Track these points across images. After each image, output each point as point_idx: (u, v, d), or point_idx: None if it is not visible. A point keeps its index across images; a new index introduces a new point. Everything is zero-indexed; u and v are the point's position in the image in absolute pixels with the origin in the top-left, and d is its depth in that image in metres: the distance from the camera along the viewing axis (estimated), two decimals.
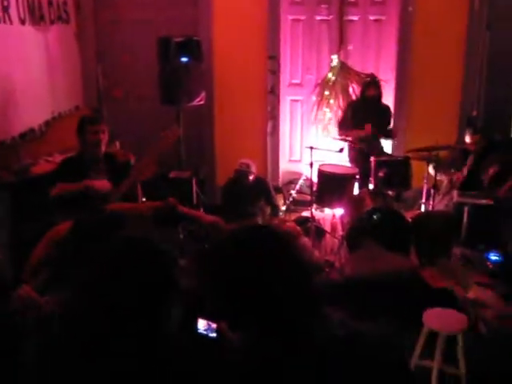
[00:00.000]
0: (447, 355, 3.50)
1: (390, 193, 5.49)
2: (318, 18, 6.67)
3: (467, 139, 5.75)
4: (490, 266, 5.08)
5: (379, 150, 5.92)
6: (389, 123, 6.12)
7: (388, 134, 6.11)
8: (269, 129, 6.73)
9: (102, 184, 3.93)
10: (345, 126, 6.02)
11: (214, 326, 2.15)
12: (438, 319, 3.61)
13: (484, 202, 5.15)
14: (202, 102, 6.06)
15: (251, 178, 5.78)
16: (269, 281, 1.45)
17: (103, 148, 4.14)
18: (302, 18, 6.69)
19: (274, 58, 6.56)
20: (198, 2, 6.44)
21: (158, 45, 5.81)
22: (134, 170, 4.05)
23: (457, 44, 6.40)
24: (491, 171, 5.24)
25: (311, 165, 5.46)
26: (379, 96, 5.97)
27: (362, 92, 6.02)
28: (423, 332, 3.66)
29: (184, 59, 5.81)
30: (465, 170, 5.67)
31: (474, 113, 6.31)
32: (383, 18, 6.72)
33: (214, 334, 2.17)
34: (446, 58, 6.39)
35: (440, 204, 5.71)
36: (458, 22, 6.36)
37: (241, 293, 1.46)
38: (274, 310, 1.45)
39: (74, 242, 2.73)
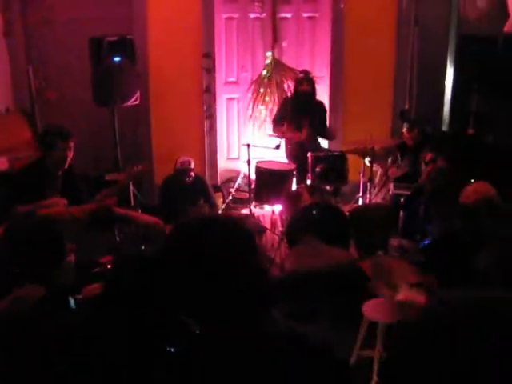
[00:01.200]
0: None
1: (328, 187, 5.55)
2: (252, 15, 6.68)
3: (404, 132, 5.89)
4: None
5: (316, 146, 5.98)
6: (324, 120, 6.18)
7: (327, 136, 6.18)
8: (206, 127, 6.69)
9: (57, 212, 3.72)
10: (279, 122, 6.04)
11: None
12: (377, 309, 3.67)
13: None
14: (137, 102, 5.96)
15: (192, 174, 5.73)
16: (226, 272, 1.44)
17: (66, 166, 3.98)
18: (236, 15, 6.69)
19: (208, 56, 6.52)
20: (132, 0, 6.33)
21: (90, 45, 5.66)
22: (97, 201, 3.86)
23: (387, 40, 6.56)
24: (427, 159, 5.39)
25: (249, 162, 5.46)
26: (313, 92, 6.02)
27: (296, 88, 6.07)
28: (363, 323, 3.72)
29: (117, 59, 5.69)
30: (403, 168, 5.79)
31: (406, 106, 6.47)
32: (316, 15, 6.79)
33: None
34: (377, 54, 6.53)
35: (377, 197, 5.82)
36: (387, 18, 6.52)
37: (192, 285, 1.44)
38: (224, 303, 1.44)
39: (6, 248, 2.65)
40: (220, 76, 6.75)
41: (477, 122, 5.99)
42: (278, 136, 5.86)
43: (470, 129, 6.01)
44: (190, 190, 5.74)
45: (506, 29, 6.04)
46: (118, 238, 4.58)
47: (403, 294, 3.49)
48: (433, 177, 5.08)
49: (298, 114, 5.89)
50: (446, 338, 0.94)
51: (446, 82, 6.81)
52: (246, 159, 5.51)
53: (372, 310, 3.67)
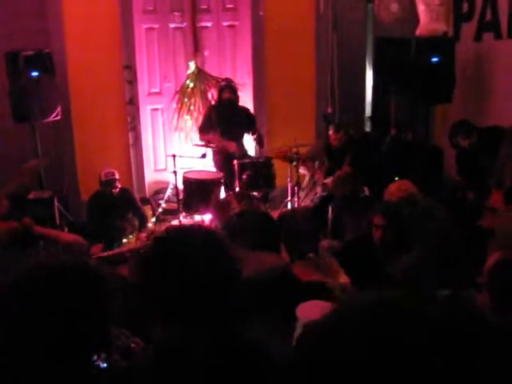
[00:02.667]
0: None
1: (256, 194, 5.58)
2: (172, 25, 6.66)
3: (331, 134, 6.01)
4: None
5: (242, 153, 6.01)
6: (251, 124, 6.20)
7: (258, 141, 6.21)
8: (131, 140, 6.60)
9: None
10: (205, 129, 6.04)
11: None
12: (311, 311, 3.70)
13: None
14: (58, 118, 5.83)
15: (119, 185, 5.64)
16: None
17: None
18: (156, 26, 6.65)
19: (130, 67, 6.45)
20: (46, 12, 6.15)
21: (5, 60, 5.51)
22: None
23: (307, 45, 6.68)
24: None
25: (175, 173, 5.42)
26: (235, 99, 6.05)
27: (219, 96, 6.09)
28: (298, 326, 3.75)
29: (34, 73, 5.55)
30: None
31: (329, 109, 6.60)
32: (236, 23, 6.84)
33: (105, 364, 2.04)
34: (298, 59, 6.64)
35: (305, 200, 5.90)
36: (306, 24, 6.64)
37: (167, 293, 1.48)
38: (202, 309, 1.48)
39: None
40: (143, 87, 6.68)
41: (396, 122, 6.18)
42: (204, 144, 5.85)
43: (391, 128, 6.19)
44: (117, 204, 5.64)
45: (417, 32, 6.27)
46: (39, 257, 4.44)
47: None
48: (341, 181, 5.22)
49: (223, 121, 5.90)
50: (348, 336, 0.96)
51: (366, 84, 7.01)
52: (173, 170, 5.47)
53: (306, 311, 3.70)
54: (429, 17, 6.25)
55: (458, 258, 3.47)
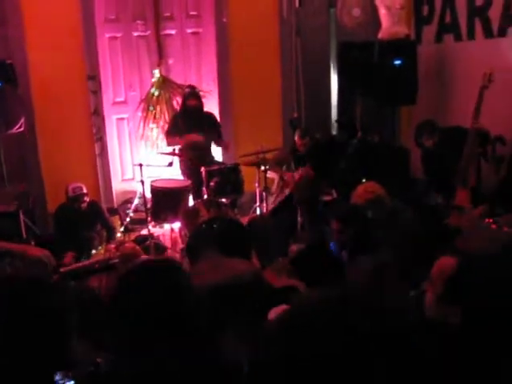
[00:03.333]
0: None
1: (225, 200, 5.57)
2: (136, 34, 6.63)
3: (297, 140, 6.04)
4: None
5: (210, 160, 5.98)
6: (217, 129, 6.18)
7: (221, 146, 6.21)
8: (97, 150, 6.53)
9: None
10: (172, 133, 6.01)
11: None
12: None
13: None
14: (21, 129, 5.74)
15: (87, 199, 5.58)
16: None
17: None
18: (119, 35, 6.61)
19: (93, 77, 6.38)
20: (7, 22, 6.05)
21: None
22: None
23: (272, 51, 6.70)
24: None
25: (142, 182, 5.38)
26: (200, 106, 6.03)
27: (183, 103, 6.06)
28: None
29: None
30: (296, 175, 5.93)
31: (295, 114, 6.62)
32: (200, 30, 6.84)
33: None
34: (263, 65, 6.65)
35: (274, 205, 5.91)
36: (270, 30, 6.67)
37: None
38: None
39: None
40: (108, 97, 6.63)
41: (362, 125, 6.24)
42: (171, 152, 5.82)
43: (358, 131, 6.24)
44: (85, 217, 5.58)
45: (380, 36, 6.35)
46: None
47: None
48: (299, 186, 5.25)
49: (189, 128, 5.88)
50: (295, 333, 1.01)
51: (331, 89, 7.06)
52: (140, 179, 5.43)
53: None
54: (390, 20, 6.32)
55: (426, 258, 3.51)
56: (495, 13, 5.55)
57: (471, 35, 5.89)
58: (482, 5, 5.69)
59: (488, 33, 5.68)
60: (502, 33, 5.52)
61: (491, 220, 4.74)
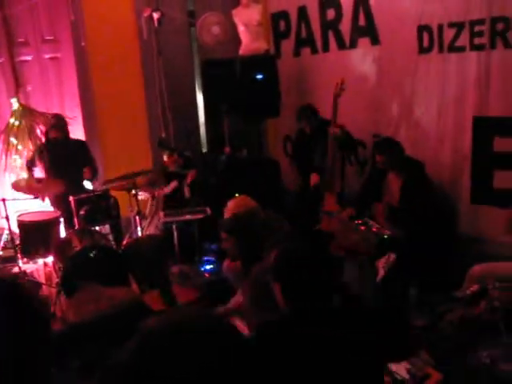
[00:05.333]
0: None
1: (98, 228, 5.41)
2: None
3: (166, 160, 6.01)
4: (207, 276, 5.35)
5: (79, 188, 5.77)
6: (87, 156, 5.98)
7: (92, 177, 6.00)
8: None
9: None
10: (33, 164, 5.78)
11: None
12: None
13: (188, 217, 5.41)
14: None
15: None
16: None
17: None
18: None
19: None
20: None
21: None
22: None
23: (134, 73, 6.63)
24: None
25: (7, 218, 5.10)
26: (64, 136, 5.83)
27: (47, 137, 5.83)
28: None
29: None
30: (167, 189, 5.91)
31: (163, 135, 6.58)
32: (58, 55, 6.65)
33: None
34: (126, 87, 6.55)
35: (150, 227, 5.83)
36: (131, 51, 6.59)
37: None
38: None
39: None
40: None
41: (230, 140, 6.32)
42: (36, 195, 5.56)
43: (226, 147, 6.31)
44: None
45: (240, 52, 6.49)
46: None
47: None
48: None
49: (55, 161, 5.67)
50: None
51: (198, 106, 7.10)
52: (4, 215, 5.14)
53: None
54: (249, 37, 6.48)
55: None
56: (346, 25, 5.84)
57: (326, 48, 6.16)
58: (334, 18, 5.97)
59: (341, 45, 5.97)
60: (353, 44, 5.83)
61: (360, 221, 4.99)
